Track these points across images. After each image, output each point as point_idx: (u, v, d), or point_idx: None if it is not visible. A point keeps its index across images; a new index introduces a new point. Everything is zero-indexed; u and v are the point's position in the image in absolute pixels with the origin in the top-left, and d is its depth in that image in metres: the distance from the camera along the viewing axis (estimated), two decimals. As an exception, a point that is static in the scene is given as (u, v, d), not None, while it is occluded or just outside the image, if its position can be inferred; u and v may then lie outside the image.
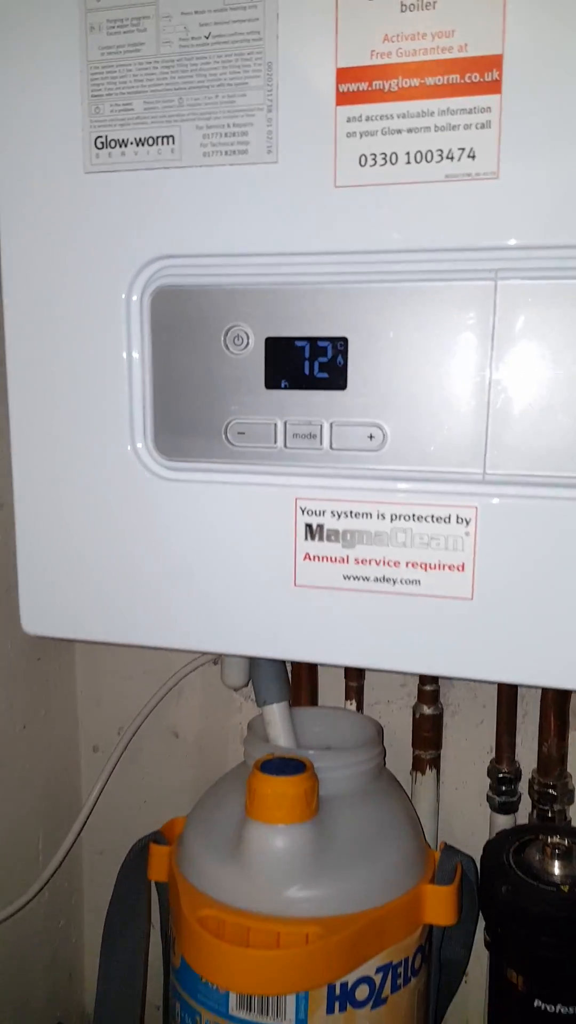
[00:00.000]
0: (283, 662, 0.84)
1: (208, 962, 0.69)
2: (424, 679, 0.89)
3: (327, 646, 0.60)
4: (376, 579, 0.58)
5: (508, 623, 0.56)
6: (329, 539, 0.58)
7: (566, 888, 0.74)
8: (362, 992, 0.71)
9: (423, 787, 0.90)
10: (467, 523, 0.56)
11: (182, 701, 0.99)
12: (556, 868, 0.75)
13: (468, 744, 0.92)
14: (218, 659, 0.94)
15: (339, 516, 0.58)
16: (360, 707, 0.92)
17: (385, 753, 0.83)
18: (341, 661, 0.61)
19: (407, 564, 0.57)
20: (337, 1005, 0.70)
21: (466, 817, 0.93)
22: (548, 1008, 0.74)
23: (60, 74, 0.56)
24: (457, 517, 0.56)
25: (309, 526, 0.58)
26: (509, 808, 0.89)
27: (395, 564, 0.57)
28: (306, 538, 0.59)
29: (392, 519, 0.57)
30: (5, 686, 0.89)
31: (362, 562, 0.58)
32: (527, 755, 0.89)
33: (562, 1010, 0.73)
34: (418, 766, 0.91)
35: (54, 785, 0.99)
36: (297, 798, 0.71)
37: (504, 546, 0.55)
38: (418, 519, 0.57)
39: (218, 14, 0.53)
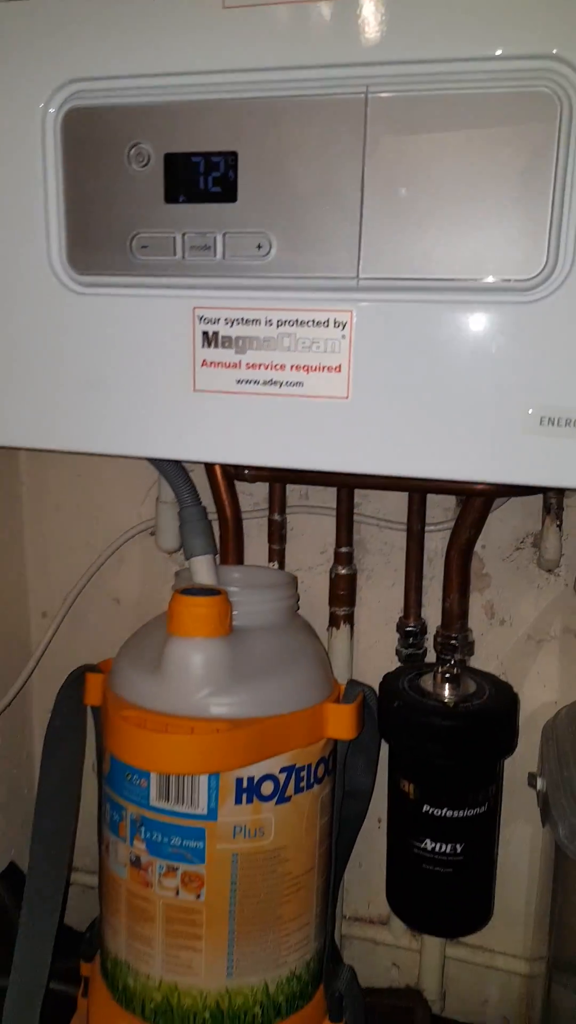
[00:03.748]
0: (208, 521, 0.87)
1: (131, 748, 0.73)
2: (340, 541, 0.92)
3: (223, 446, 0.63)
4: (265, 383, 0.61)
5: (380, 419, 0.59)
6: (223, 345, 0.61)
7: (451, 703, 0.77)
8: (267, 788, 0.74)
9: (338, 640, 0.93)
10: (343, 327, 0.59)
11: (122, 569, 1.02)
12: (446, 691, 0.79)
13: (380, 606, 0.95)
14: (154, 530, 0.97)
15: (232, 324, 0.61)
16: (282, 568, 0.95)
17: (298, 599, 0.86)
18: (235, 459, 0.63)
19: (291, 367, 0.60)
20: (244, 797, 0.73)
21: (377, 671, 0.95)
22: (435, 812, 0.77)
23: None
24: (334, 321, 0.59)
25: (206, 333, 0.61)
26: (415, 660, 0.92)
27: (280, 368, 0.60)
28: (203, 345, 0.61)
29: (278, 325, 0.60)
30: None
31: (252, 367, 0.61)
32: (434, 615, 0.92)
33: (448, 813, 0.77)
34: (334, 622, 0.93)
35: (2, 649, 1.02)
36: (210, 616, 0.74)
37: (377, 348, 0.58)
38: (300, 324, 0.59)
39: None
